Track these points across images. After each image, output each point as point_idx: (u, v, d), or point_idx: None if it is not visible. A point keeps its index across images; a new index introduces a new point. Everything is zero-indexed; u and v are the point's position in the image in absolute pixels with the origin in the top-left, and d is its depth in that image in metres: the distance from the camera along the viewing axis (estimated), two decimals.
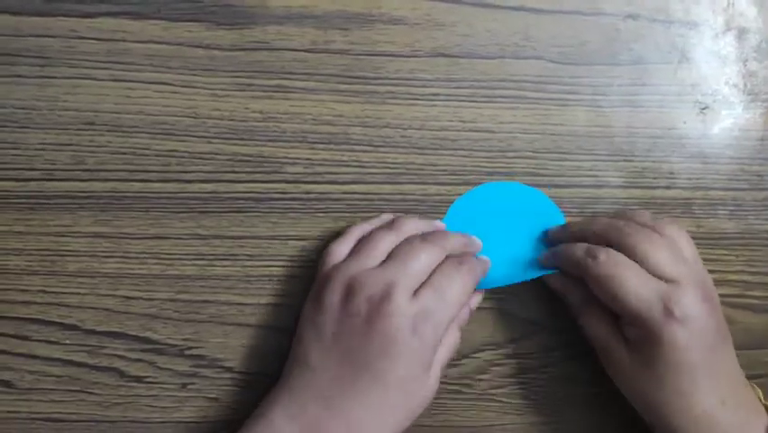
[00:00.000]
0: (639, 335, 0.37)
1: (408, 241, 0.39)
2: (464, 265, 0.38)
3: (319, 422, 0.36)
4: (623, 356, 0.38)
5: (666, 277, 0.36)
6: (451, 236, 0.40)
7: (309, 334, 0.38)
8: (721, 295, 0.43)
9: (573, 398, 0.44)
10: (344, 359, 0.36)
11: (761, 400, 0.38)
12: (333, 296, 0.37)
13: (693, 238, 0.43)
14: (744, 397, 0.38)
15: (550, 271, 0.41)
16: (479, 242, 0.41)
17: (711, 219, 0.44)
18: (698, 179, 0.44)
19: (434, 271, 0.38)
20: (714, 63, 0.44)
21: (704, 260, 0.43)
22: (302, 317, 0.39)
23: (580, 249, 0.38)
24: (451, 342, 0.39)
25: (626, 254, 0.37)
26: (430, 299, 0.37)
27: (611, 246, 0.37)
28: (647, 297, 0.36)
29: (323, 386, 0.36)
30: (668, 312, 0.35)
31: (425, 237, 0.39)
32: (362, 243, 0.39)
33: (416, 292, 0.37)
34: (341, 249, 0.40)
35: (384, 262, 0.38)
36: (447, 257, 0.39)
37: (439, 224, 0.42)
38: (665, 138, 0.44)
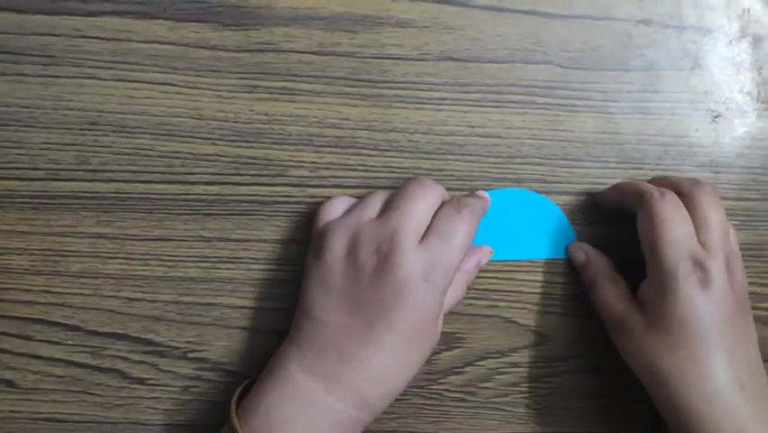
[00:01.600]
0: (658, 291, 0.36)
1: (404, 190, 0.38)
2: (465, 207, 0.38)
3: (337, 374, 0.36)
4: (638, 322, 0.37)
5: (705, 240, 0.37)
6: (439, 187, 0.40)
7: (315, 288, 0.38)
8: None
9: (577, 409, 0.43)
10: (355, 311, 0.36)
11: None
12: (336, 250, 0.37)
13: None
14: (762, 387, 0.37)
15: (560, 257, 0.42)
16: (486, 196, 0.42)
17: None
18: None
19: (435, 217, 0.38)
20: (728, 70, 0.43)
21: None
22: (306, 271, 0.39)
23: (647, 185, 0.39)
24: (458, 293, 0.40)
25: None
26: (437, 245, 0.37)
27: None
28: (682, 251, 0.36)
29: (336, 339, 0.36)
30: (694, 271, 0.36)
31: (418, 181, 0.39)
32: (358, 201, 0.40)
33: (421, 239, 0.37)
34: (337, 205, 0.40)
35: (383, 213, 0.38)
36: (444, 202, 0.39)
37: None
38: (676, 146, 0.43)
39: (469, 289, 0.41)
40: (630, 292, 0.39)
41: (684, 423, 0.35)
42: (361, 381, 0.36)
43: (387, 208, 0.38)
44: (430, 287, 0.36)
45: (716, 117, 0.43)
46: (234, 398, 0.37)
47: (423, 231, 0.37)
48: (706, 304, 0.36)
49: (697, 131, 0.43)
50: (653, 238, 0.37)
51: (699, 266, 0.36)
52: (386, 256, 0.36)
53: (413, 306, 0.36)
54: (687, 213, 0.37)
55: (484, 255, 0.42)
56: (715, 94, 0.43)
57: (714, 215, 0.38)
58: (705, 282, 0.36)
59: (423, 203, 0.38)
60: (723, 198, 0.43)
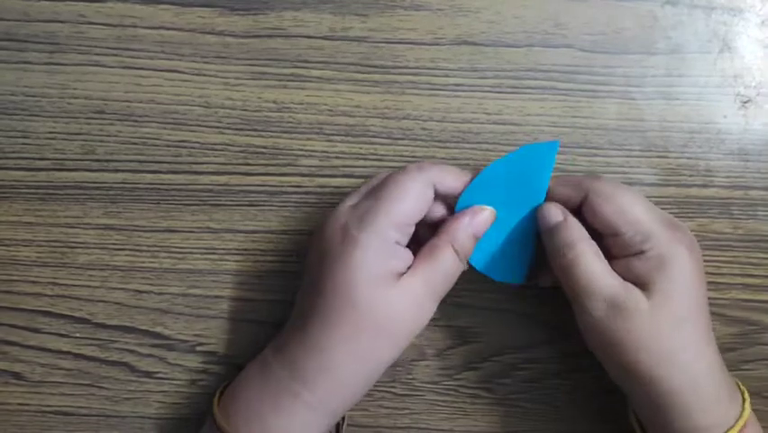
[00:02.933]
0: (652, 259, 0.34)
1: (387, 179, 0.36)
2: (412, 165, 0.35)
3: (284, 342, 0.35)
4: (641, 301, 0.33)
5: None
6: (428, 164, 0.36)
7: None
8: (761, 301, 0.41)
9: (597, 405, 0.42)
10: (308, 287, 0.35)
11: (739, 386, 0.37)
12: (315, 234, 0.37)
13: (730, 240, 0.41)
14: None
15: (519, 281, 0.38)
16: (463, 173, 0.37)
17: (750, 221, 0.41)
18: (737, 177, 0.41)
19: None
20: (759, 53, 0.41)
21: (741, 263, 0.41)
22: None
23: (576, 177, 0.37)
24: (441, 258, 0.35)
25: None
26: (364, 200, 0.35)
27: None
28: (654, 215, 0.35)
29: (295, 317, 0.36)
30: (673, 231, 0.35)
31: (397, 177, 0.35)
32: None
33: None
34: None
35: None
36: None
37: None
38: (703, 133, 0.41)
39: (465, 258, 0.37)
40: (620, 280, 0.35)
41: (689, 402, 0.34)
42: (298, 349, 0.34)
43: (369, 192, 0.36)
44: (350, 239, 0.33)
45: (745, 102, 0.41)
46: (220, 389, 0.38)
47: (398, 220, 0.34)
48: (700, 269, 0.35)
49: (725, 117, 0.41)
50: (620, 211, 0.34)
51: (680, 229, 0.35)
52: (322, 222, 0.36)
53: (333, 262, 0.34)
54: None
55: (476, 215, 0.36)
56: (745, 78, 0.41)
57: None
58: (692, 246, 0.35)
59: (405, 191, 0.34)
60: (752, 188, 0.41)
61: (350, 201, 0.36)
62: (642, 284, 0.34)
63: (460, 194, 0.36)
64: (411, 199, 0.34)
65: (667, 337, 0.34)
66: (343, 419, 0.39)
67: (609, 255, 0.35)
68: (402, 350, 0.35)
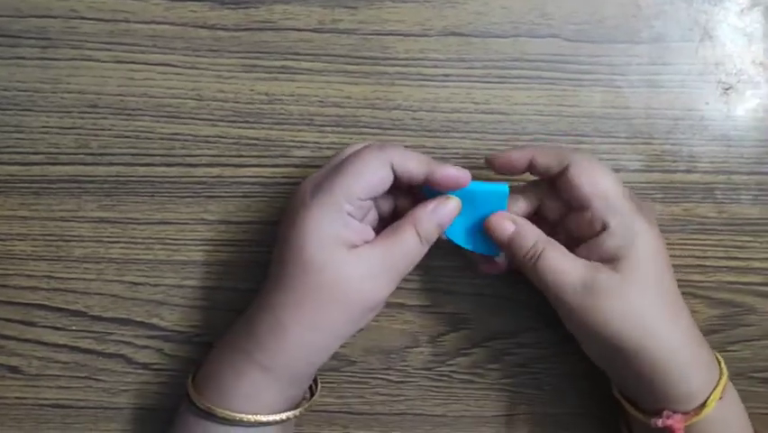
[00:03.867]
0: (619, 233, 0.35)
1: (349, 156, 0.36)
2: (371, 144, 0.36)
3: (249, 311, 0.36)
4: (612, 278, 0.35)
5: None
6: (392, 146, 0.36)
7: None
8: (745, 283, 0.42)
9: (586, 390, 0.43)
10: (273, 254, 0.36)
11: (716, 356, 0.38)
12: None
13: (715, 224, 0.42)
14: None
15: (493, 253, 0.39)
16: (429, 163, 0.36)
17: (734, 205, 0.42)
18: (720, 162, 0.42)
19: None
20: (739, 41, 0.42)
21: (727, 246, 0.42)
22: None
23: (554, 145, 0.39)
24: (404, 239, 0.35)
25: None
26: (325, 173, 0.36)
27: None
28: (621, 190, 0.36)
29: (259, 290, 0.37)
30: (637, 205, 0.36)
31: (359, 154, 0.35)
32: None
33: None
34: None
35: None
36: None
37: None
38: (686, 120, 0.42)
39: (436, 244, 0.37)
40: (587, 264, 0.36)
41: (674, 371, 0.35)
42: (254, 312, 0.36)
43: (330, 166, 0.36)
44: (304, 206, 0.34)
45: (727, 89, 0.42)
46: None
47: (352, 192, 0.34)
48: (661, 242, 0.36)
49: (707, 103, 0.42)
50: (599, 190, 0.36)
51: (642, 204, 0.37)
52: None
53: (288, 227, 0.35)
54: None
55: (441, 204, 0.36)
56: (726, 65, 0.42)
57: None
58: (652, 220, 0.36)
59: (360, 165, 0.35)
60: (735, 173, 0.42)
61: (316, 173, 0.36)
62: (609, 260, 0.35)
63: (422, 180, 0.36)
64: (367, 174, 0.34)
65: (642, 308, 0.35)
66: (316, 384, 0.39)
67: (574, 237, 0.37)
68: (357, 323, 0.36)
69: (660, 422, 0.35)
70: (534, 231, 0.37)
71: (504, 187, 0.37)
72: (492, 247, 0.38)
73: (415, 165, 0.35)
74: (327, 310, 0.34)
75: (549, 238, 0.37)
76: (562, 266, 0.35)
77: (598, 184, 0.36)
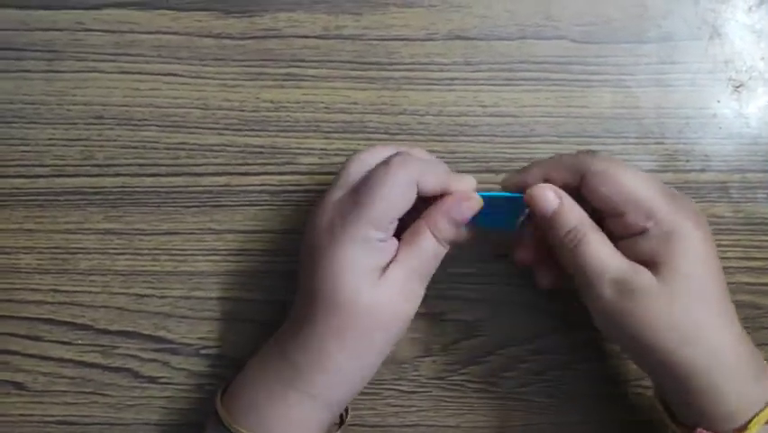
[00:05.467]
0: (657, 236, 0.33)
1: (372, 175, 0.34)
2: (394, 159, 0.34)
3: (282, 335, 0.36)
4: (650, 279, 0.32)
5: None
6: (410, 157, 0.35)
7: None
8: (763, 284, 0.41)
9: (604, 396, 0.41)
10: (300, 283, 0.36)
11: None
12: (307, 226, 0.36)
13: (731, 224, 0.41)
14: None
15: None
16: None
17: (750, 204, 0.41)
18: (734, 161, 0.41)
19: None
20: (748, 38, 0.42)
21: (743, 246, 0.41)
22: None
23: (570, 154, 0.35)
24: (423, 243, 0.35)
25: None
26: (348, 196, 0.34)
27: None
28: (654, 190, 0.33)
29: (293, 311, 0.36)
30: (676, 205, 0.33)
31: (386, 170, 0.34)
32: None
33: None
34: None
35: (348, 193, 0.35)
36: None
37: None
38: (698, 118, 0.42)
39: (455, 245, 0.36)
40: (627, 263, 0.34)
41: (710, 387, 0.32)
42: (291, 343, 0.35)
43: (352, 189, 0.35)
44: (335, 240, 0.33)
45: (738, 87, 0.42)
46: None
47: (381, 220, 0.34)
48: (708, 241, 0.33)
49: (719, 102, 0.42)
50: (618, 191, 0.33)
51: (683, 202, 0.34)
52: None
53: (319, 261, 0.34)
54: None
55: (455, 204, 0.35)
56: (736, 63, 0.42)
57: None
58: (697, 218, 0.33)
59: (387, 191, 0.33)
60: (749, 171, 0.41)
61: (334, 195, 0.35)
62: (649, 263, 0.33)
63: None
64: (395, 199, 0.34)
65: (682, 316, 0.32)
66: (347, 411, 0.38)
67: (613, 236, 0.34)
68: (398, 337, 0.35)
69: None
70: (579, 211, 0.34)
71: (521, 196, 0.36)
72: (508, 220, 0.37)
73: (433, 182, 0.35)
74: (369, 337, 0.34)
75: (594, 224, 0.34)
76: (603, 258, 0.33)
77: (624, 189, 0.33)
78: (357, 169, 0.36)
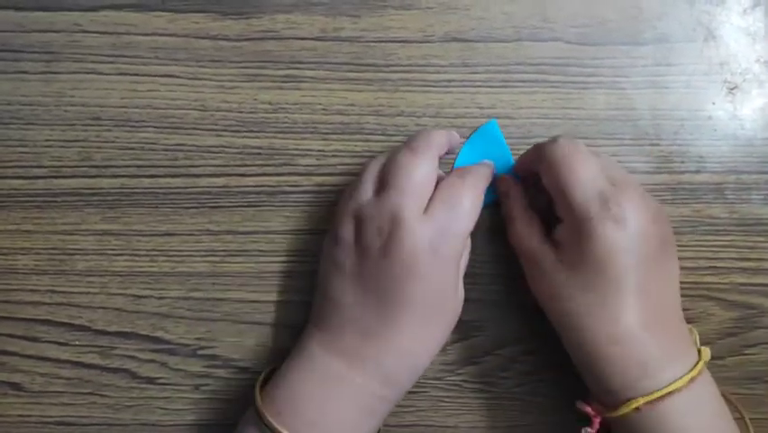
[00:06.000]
0: (571, 230, 0.35)
1: (395, 160, 0.36)
2: (468, 174, 0.37)
3: (358, 350, 0.36)
4: (551, 261, 0.36)
5: (612, 175, 0.36)
6: (433, 136, 0.37)
7: (330, 269, 0.37)
8: (757, 284, 0.41)
9: None
10: (369, 291, 0.36)
11: (696, 343, 0.37)
12: (345, 231, 0.37)
13: (726, 225, 0.42)
14: (673, 330, 0.36)
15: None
16: (456, 134, 0.39)
17: (745, 205, 0.42)
18: (729, 162, 0.42)
19: (438, 185, 0.37)
20: (743, 40, 0.42)
21: (737, 247, 0.42)
22: (322, 254, 0.39)
23: (540, 143, 0.38)
24: (467, 253, 0.39)
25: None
26: (442, 214, 0.36)
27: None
28: (591, 189, 0.35)
29: (353, 317, 0.36)
30: (606, 209, 0.34)
31: (410, 148, 0.36)
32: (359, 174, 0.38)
33: (426, 209, 0.36)
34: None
35: (380, 189, 0.36)
36: (448, 173, 0.38)
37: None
38: (693, 120, 0.42)
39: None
40: (545, 230, 0.37)
41: (593, 366, 0.35)
42: (383, 356, 0.36)
43: (383, 184, 0.36)
44: (439, 258, 0.35)
45: (732, 89, 0.42)
46: (260, 380, 0.37)
47: (425, 200, 0.36)
48: (621, 240, 0.34)
49: (714, 103, 0.42)
50: (557, 183, 0.35)
51: (611, 202, 0.34)
52: (389, 235, 0.35)
53: (423, 279, 0.35)
54: (586, 149, 0.36)
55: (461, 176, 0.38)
56: (731, 65, 0.42)
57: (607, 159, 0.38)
58: (619, 220, 0.34)
59: (418, 173, 0.36)
60: (744, 172, 0.42)
61: (412, 205, 0.35)
62: (559, 247, 0.36)
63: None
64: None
65: (570, 301, 0.35)
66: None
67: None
68: None
69: (579, 406, 0.37)
70: (518, 197, 0.39)
71: (490, 122, 0.41)
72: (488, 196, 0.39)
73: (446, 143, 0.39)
74: (442, 336, 0.38)
75: (527, 207, 0.39)
76: (523, 235, 0.38)
77: (559, 181, 0.35)
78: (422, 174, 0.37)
